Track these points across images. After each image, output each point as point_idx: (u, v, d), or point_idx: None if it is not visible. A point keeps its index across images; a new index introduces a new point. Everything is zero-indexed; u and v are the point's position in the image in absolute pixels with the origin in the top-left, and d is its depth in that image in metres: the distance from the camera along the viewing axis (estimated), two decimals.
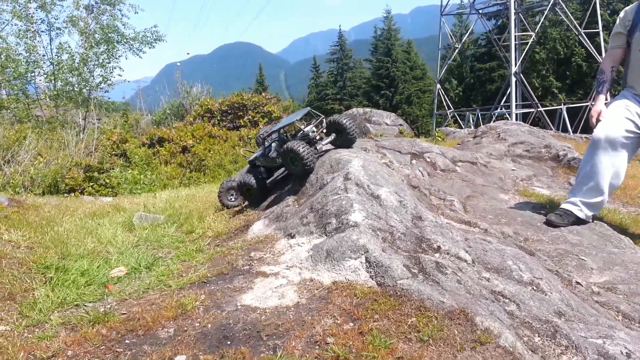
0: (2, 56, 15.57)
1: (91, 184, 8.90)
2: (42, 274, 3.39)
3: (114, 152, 11.42)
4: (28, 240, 3.98)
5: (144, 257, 3.66)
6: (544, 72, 37.32)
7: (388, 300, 2.25)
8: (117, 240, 4.23)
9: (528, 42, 30.68)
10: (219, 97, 18.48)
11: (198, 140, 12.52)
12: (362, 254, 2.59)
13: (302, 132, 4.26)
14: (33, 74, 16.50)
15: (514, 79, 28.64)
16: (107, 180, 9.12)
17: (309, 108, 4.65)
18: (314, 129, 4.34)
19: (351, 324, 2.15)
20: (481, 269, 2.51)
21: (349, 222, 2.90)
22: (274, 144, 4.42)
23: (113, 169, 10.02)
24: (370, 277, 2.47)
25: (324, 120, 4.42)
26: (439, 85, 34.92)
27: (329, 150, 4.45)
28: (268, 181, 4.60)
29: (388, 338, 1.99)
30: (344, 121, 4.31)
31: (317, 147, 4.29)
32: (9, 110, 15.13)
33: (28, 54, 16.16)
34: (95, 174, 9.15)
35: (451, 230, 2.88)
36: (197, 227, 4.47)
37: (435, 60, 36.06)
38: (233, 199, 4.89)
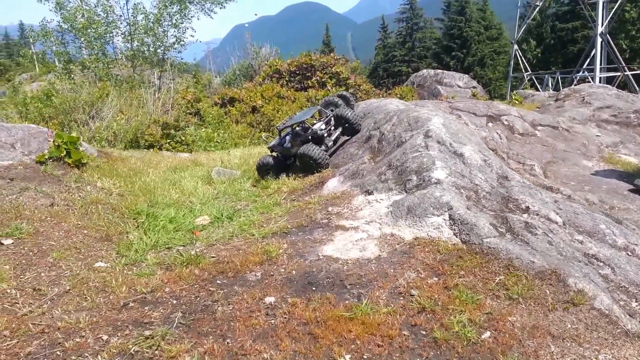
0: (84, 17, 16.34)
1: (168, 140, 9.31)
2: (134, 219, 3.65)
3: (188, 111, 11.83)
4: (119, 188, 4.26)
5: (225, 208, 3.83)
6: (633, 32, 34.00)
7: (474, 257, 2.22)
8: (199, 192, 4.45)
9: (617, 0, 28.00)
10: (286, 58, 18.52)
11: (267, 101, 12.67)
12: (445, 211, 2.55)
13: (311, 130, 4.77)
14: (111, 35, 17.24)
15: (599, 40, 26.48)
16: (183, 138, 9.50)
17: (318, 107, 5.14)
18: (323, 126, 4.89)
19: (435, 279, 2.15)
20: (573, 232, 2.41)
21: (430, 179, 2.86)
22: (287, 137, 4.92)
23: (188, 126, 10.40)
24: (455, 234, 2.44)
25: (332, 117, 4.97)
26: (516, 46, 32.91)
27: (338, 142, 5.01)
28: (288, 162, 5.15)
29: (475, 294, 1.98)
30: (348, 114, 4.83)
31: (327, 143, 4.84)
32: (90, 70, 15.96)
33: (105, 14, 16.83)
34: (172, 131, 9.55)
35: (540, 191, 2.77)
36: (272, 182, 4.60)
37: (513, 19, 33.91)
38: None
